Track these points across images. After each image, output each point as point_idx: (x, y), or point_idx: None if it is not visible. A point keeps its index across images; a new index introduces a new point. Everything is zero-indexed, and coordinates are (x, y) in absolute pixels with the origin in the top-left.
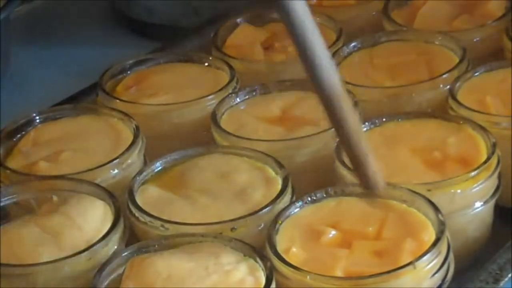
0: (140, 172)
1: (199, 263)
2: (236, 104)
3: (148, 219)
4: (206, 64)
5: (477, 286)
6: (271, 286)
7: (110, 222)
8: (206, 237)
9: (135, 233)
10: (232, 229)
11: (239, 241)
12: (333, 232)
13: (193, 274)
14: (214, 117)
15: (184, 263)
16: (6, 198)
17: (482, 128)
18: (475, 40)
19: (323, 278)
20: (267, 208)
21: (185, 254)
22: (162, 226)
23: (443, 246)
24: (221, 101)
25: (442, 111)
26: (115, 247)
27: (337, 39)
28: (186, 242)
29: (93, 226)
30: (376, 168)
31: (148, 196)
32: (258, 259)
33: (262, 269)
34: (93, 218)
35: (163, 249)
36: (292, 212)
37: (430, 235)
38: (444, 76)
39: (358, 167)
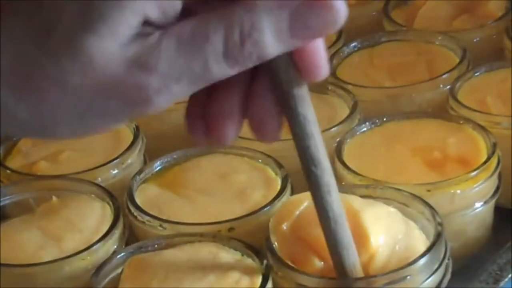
0: (140, 172)
1: (197, 263)
2: None
3: (146, 218)
4: None
5: (477, 286)
6: (268, 286)
7: (109, 222)
8: (204, 237)
9: (135, 233)
10: (230, 229)
11: (237, 241)
12: None
13: (191, 274)
14: None
15: (182, 263)
16: (6, 198)
17: (482, 128)
18: (475, 40)
19: (314, 278)
20: (265, 208)
21: (183, 254)
22: (161, 225)
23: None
24: None
25: (442, 111)
26: (115, 246)
27: (337, 39)
28: (184, 242)
29: (94, 228)
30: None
31: (148, 195)
32: (256, 259)
33: (260, 269)
34: (93, 220)
35: (162, 249)
36: None
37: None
38: (444, 76)
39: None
